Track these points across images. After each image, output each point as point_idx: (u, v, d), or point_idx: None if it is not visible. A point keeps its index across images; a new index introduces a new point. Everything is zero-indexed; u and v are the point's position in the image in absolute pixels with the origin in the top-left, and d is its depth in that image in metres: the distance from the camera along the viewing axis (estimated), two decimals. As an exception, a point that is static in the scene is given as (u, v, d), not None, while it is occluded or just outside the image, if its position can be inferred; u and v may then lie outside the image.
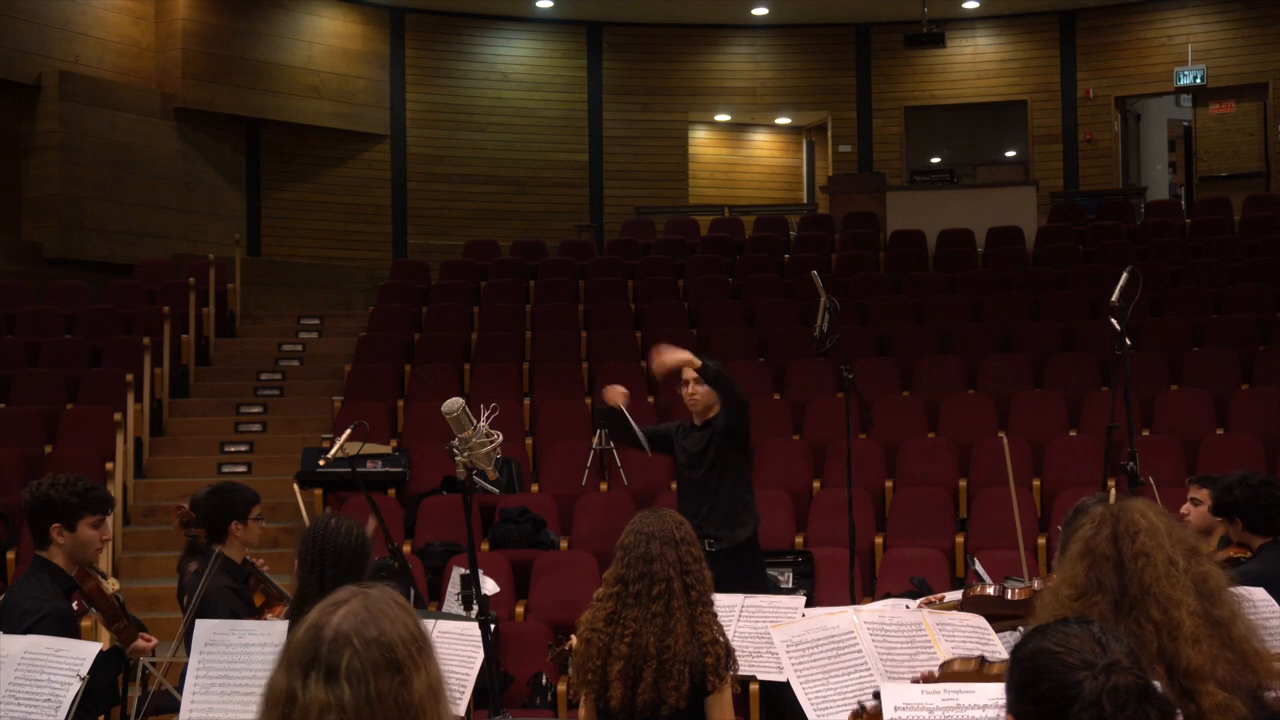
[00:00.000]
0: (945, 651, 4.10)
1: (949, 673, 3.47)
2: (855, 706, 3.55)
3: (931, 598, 4.69)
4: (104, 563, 7.85)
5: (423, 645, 2.16)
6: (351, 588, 2.19)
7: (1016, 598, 4.20)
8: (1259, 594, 4.06)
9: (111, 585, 4.78)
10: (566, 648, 4.43)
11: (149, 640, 4.89)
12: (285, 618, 4.26)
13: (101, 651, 4.17)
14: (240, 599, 5.14)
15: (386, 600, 2.16)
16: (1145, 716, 2.24)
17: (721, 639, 4.07)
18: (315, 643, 2.11)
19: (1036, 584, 4.31)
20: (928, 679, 3.57)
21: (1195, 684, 2.71)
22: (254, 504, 5.41)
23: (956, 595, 4.82)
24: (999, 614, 4.29)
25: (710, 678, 3.99)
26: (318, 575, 4.15)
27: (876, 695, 3.56)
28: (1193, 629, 2.77)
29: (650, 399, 11.61)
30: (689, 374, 6.46)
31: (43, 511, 4.64)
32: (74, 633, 4.42)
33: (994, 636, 4.20)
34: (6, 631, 4.20)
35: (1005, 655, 3.85)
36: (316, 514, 6.83)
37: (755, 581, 6.28)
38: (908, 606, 4.76)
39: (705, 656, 4.00)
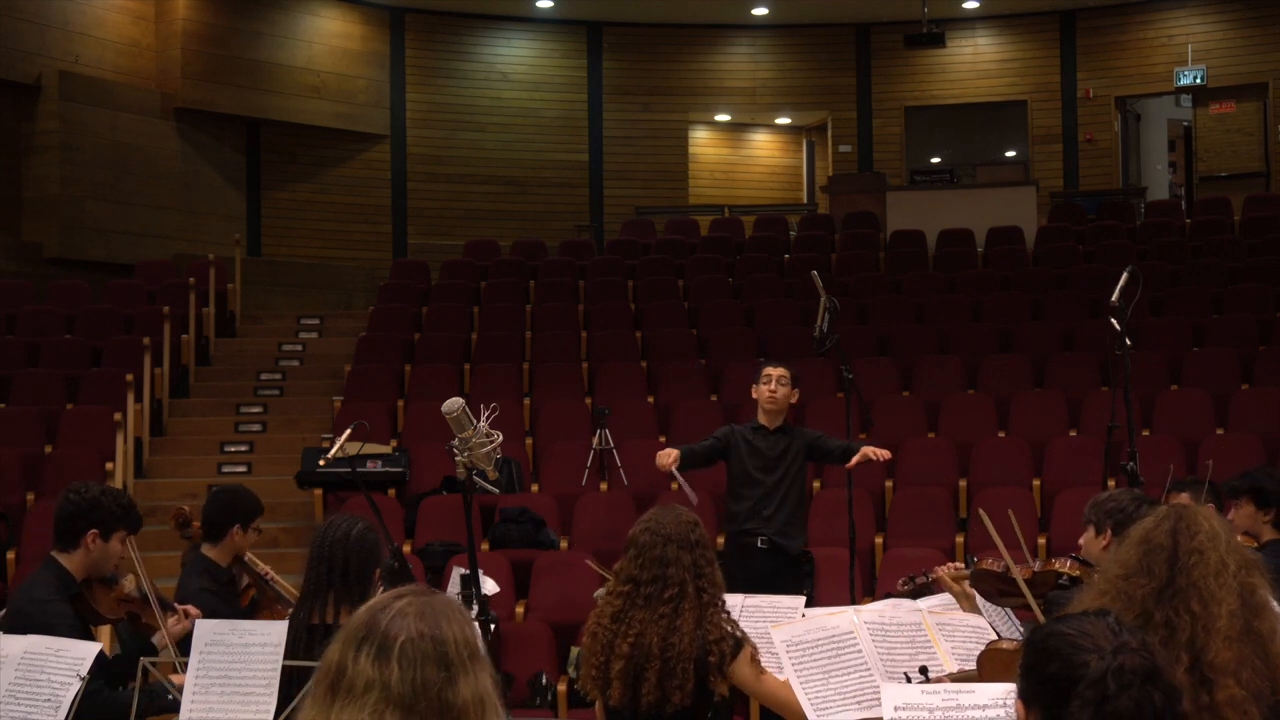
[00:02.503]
0: (945, 651, 4.11)
1: (994, 650, 3.54)
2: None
3: (947, 568, 4.68)
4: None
5: (474, 653, 2.20)
6: (419, 587, 2.25)
7: (1020, 575, 4.22)
8: None
9: (130, 582, 4.75)
10: None
11: (179, 621, 4.71)
12: (287, 618, 4.24)
13: (109, 656, 4.15)
14: (220, 600, 5.09)
15: (449, 604, 2.23)
16: (1148, 698, 2.25)
17: (729, 633, 4.05)
18: (373, 622, 2.16)
19: (1037, 565, 4.33)
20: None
21: (1215, 676, 2.74)
22: (258, 514, 5.34)
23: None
24: (1007, 590, 4.31)
25: (714, 675, 3.99)
26: (325, 574, 4.13)
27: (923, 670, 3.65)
28: (1228, 627, 2.82)
29: (650, 399, 11.62)
30: (778, 373, 6.84)
31: (87, 515, 4.59)
32: (71, 635, 4.40)
33: (993, 635, 4.20)
34: (8, 631, 4.19)
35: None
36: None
37: (793, 583, 6.46)
38: (905, 584, 4.75)
39: (709, 655, 3.99)
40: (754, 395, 6.96)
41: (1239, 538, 5.26)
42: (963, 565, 4.67)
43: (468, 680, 2.15)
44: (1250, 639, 2.83)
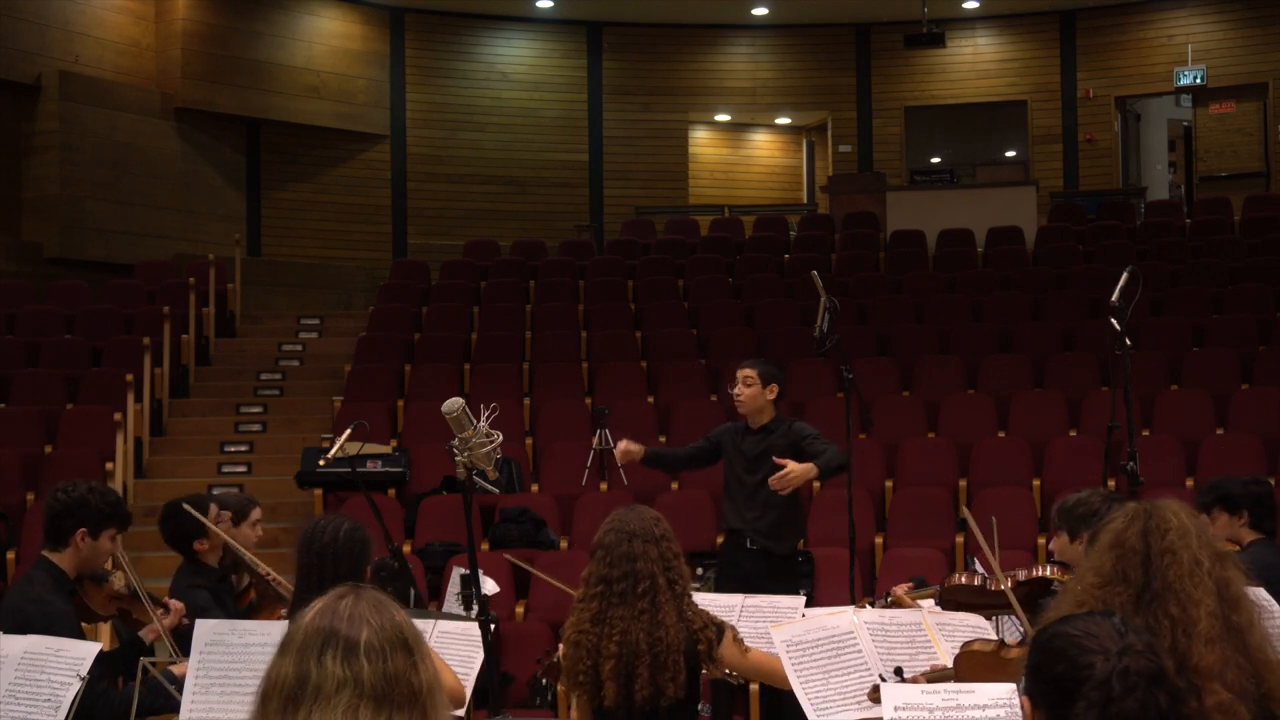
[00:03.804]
0: (945, 651, 4.11)
1: (970, 651, 3.51)
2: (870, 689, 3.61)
3: (902, 587, 4.70)
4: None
5: (420, 637, 2.23)
6: (345, 588, 2.25)
7: (995, 588, 4.22)
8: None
9: (119, 579, 4.76)
10: (556, 659, 4.40)
11: (165, 616, 4.73)
12: (285, 618, 4.24)
13: (104, 651, 4.15)
14: (211, 595, 5.10)
15: (384, 596, 2.25)
16: (1154, 700, 2.26)
17: (710, 619, 4.08)
18: (330, 626, 2.16)
19: (1022, 574, 4.34)
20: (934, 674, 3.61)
21: (1202, 681, 2.74)
22: (207, 511, 5.30)
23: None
24: (979, 603, 4.32)
25: (705, 663, 4.01)
26: (316, 577, 4.12)
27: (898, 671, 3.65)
28: (1208, 629, 2.81)
29: (650, 399, 11.62)
30: (742, 373, 6.56)
31: (74, 513, 4.59)
32: (74, 634, 4.41)
33: (992, 634, 4.20)
34: (6, 630, 4.19)
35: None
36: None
37: (783, 586, 6.26)
38: (873, 604, 4.77)
39: (698, 643, 4.02)
40: None
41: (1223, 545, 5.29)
42: (913, 584, 4.72)
43: (425, 664, 2.19)
44: (1231, 636, 2.82)
